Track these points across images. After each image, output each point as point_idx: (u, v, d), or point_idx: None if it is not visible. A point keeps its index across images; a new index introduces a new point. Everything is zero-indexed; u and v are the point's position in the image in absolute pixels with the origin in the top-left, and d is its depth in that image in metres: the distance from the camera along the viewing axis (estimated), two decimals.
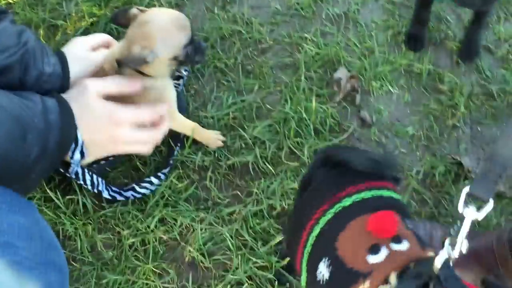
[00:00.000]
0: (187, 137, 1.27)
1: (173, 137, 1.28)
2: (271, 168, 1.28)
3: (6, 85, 0.93)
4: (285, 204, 1.23)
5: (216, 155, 1.30)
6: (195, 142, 1.29)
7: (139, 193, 1.20)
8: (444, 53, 1.52)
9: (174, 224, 1.19)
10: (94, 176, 1.13)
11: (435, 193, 1.29)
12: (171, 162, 1.26)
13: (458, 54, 1.50)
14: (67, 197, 1.19)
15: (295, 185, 1.25)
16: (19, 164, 0.85)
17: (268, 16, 1.55)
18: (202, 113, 1.36)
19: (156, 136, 1.09)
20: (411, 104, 1.43)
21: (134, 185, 1.20)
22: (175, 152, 1.27)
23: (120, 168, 1.27)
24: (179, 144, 1.28)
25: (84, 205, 1.19)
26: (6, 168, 0.82)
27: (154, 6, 1.49)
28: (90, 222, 1.18)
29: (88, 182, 1.12)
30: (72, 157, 0.98)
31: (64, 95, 0.98)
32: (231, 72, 1.44)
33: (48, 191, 1.18)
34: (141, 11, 1.05)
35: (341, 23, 1.55)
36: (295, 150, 1.31)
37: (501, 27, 1.56)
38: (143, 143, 1.08)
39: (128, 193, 1.20)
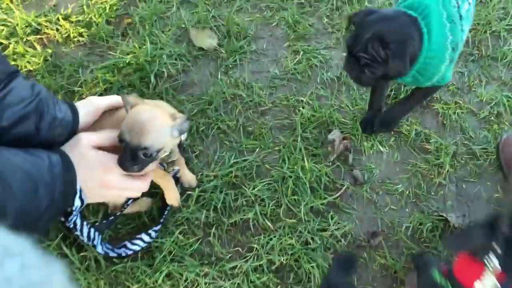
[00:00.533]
0: (188, 196, 1.38)
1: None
2: (270, 225, 1.38)
3: (25, 132, 1.05)
4: (283, 260, 1.32)
5: (220, 212, 1.40)
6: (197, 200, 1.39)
7: (130, 249, 1.29)
8: (430, 115, 1.64)
9: (180, 278, 1.28)
10: (92, 230, 1.23)
11: (423, 248, 1.39)
12: (161, 220, 1.35)
13: (377, 123, 1.57)
14: (81, 254, 1.28)
15: (293, 241, 1.34)
16: (32, 215, 0.95)
17: (267, 80, 1.69)
18: (205, 172, 1.47)
19: (142, 185, 1.17)
20: (400, 163, 1.54)
21: (126, 242, 1.30)
22: (166, 212, 1.36)
23: (131, 225, 1.36)
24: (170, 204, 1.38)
25: (97, 260, 1.28)
26: (21, 220, 0.92)
27: (163, 73, 1.63)
28: (102, 277, 1.27)
29: (85, 235, 1.21)
30: (73, 204, 1.08)
31: (62, 147, 1.08)
32: (233, 133, 1.56)
33: (64, 247, 1.27)
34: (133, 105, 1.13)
35: (334, 87, 1.68)
36: (292, 207, 1.42)
37: (483, 90, 1.69)
38: (130, 189, 1.18)
39: (121, 250, 1.29)
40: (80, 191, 1.06)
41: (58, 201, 1.00)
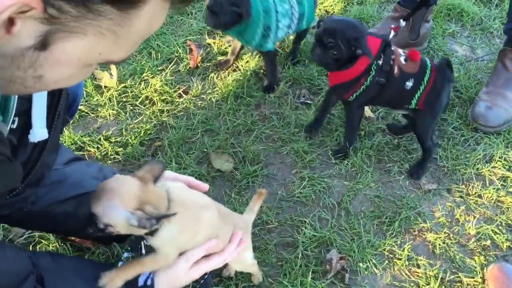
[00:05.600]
0: None
1: None
2: None
3: None
4: None
5: None
6: None
7: None
8: (421, 243, 1.80)
9: None
10: None
11: None
12: None
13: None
14: None
15: None
16: None
17: (275, 201, 1.90)
18: (213, 279, 1.61)
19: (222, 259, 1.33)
20: (392, 285, 1.67)
21: None
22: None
23: None
24: None
25: None
26: None
27: None
28: None
29: None
30: None
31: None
32: None
33: None
34: None
35: (335, 211, 1.88)
36: None
37: (470, 224, 1.86)
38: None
39: None
40: None
41: None
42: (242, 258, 1.47)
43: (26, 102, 1.00)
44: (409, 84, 1.82)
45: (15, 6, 0.55)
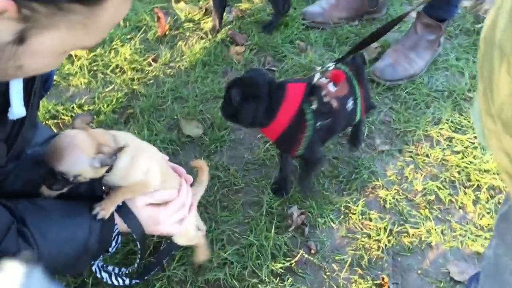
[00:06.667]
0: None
1: (162, 253, 1.67)
2: (236, 284, 1.67)
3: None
4: None
5: (196, 271, 1.69)
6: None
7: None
8: (374, 199, 1.99)
9: None
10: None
11: None
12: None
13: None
14: None
15: None
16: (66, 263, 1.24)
17: (242, 164, 2.05)
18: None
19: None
20: (347, 237, 1.87)
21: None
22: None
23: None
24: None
25: None
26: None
27: None
28: None
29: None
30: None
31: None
32: (211, 207, 1.89)
33: None
34: None
35: (296, 172, 2.04)
36: (256, 270, 1.71)
37: (418, 181, 2.06)
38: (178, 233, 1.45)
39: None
40: (118, 235, 1.32)
41: (92, 250, 1.26)
42: (186, 229, 1.51)
43: (3, 84, 1.09)
44: (350, 105, 1.73)
45: None
